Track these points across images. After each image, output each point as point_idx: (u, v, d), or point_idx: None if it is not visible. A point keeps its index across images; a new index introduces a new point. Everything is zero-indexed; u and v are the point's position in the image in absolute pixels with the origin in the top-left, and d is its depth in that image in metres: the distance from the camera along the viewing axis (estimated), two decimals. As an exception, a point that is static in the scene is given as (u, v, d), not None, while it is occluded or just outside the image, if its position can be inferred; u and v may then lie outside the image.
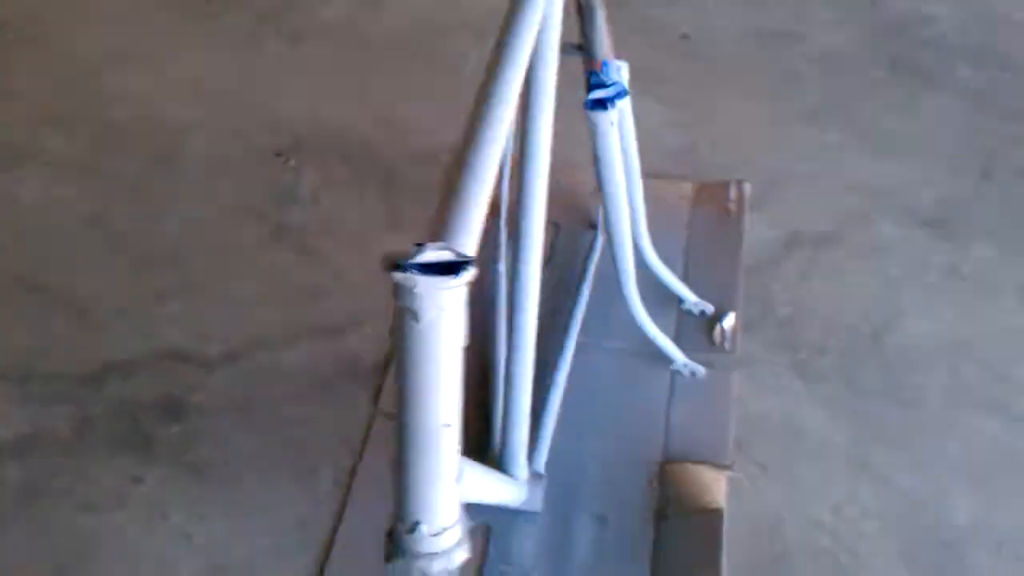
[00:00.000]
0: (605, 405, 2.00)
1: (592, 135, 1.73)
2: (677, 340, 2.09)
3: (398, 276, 0.81)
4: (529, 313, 1.68)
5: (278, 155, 2.53)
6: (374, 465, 1.88)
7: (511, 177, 1.72)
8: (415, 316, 0.82)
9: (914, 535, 1.89)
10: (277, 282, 2.24)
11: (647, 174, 2.06)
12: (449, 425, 0.92)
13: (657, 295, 2.15)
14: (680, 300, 2.18)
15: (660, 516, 1.85)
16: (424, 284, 0.81)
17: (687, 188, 2.44)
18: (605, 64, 1.67)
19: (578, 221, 2.36)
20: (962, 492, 1.95)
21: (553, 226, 2.28)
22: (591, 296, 2.17)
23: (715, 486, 1.91)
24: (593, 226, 2.31)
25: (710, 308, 2.17)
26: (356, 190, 2.46)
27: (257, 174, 2.48)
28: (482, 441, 1.89)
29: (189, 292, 2.20)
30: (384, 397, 2.00)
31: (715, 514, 1.83)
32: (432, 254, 0.81)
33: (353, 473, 1.89)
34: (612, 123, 1.71)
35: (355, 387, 2.04)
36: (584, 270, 2.22)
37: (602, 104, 1.68)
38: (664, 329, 2.07)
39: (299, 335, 2.14)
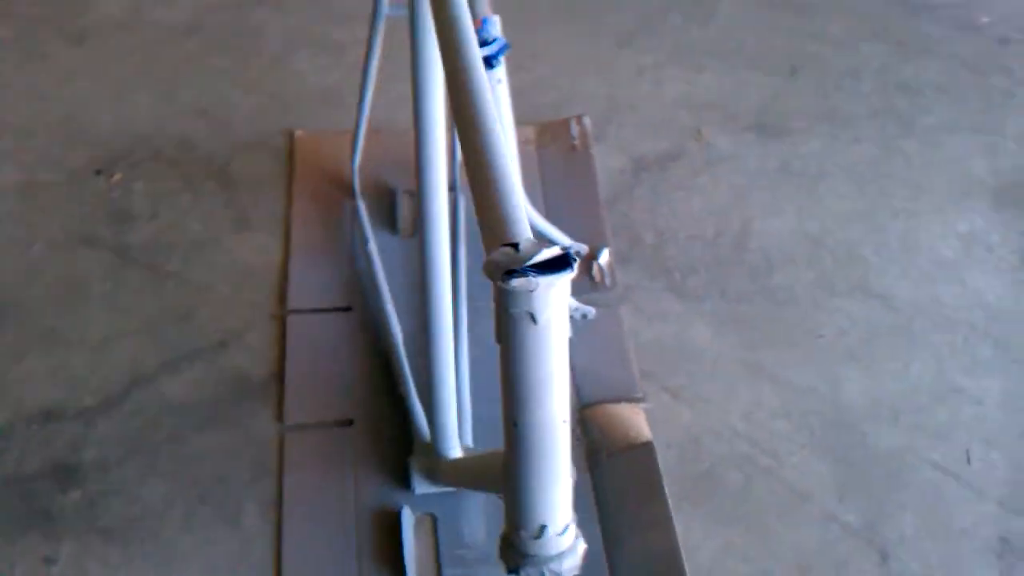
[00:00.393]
0: None
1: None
2: (560, 286, 2.10)
3: (518, 283, 0.78)
4: (443, 291, 1.65)
5: (98, 173, 2.34)
6: (298, 487, 1.81)
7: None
8: (533, 318, 0.80)
9: (820, 424, 2.01)
10: (135, 310, 2.09)
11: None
12: (566, 421, 0.90)
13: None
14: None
15: (593, 462, 1.88)
16: (545, 285, 0.79)
17: (529, 132, 2.43)
18: (485, 21, 1.64)
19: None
20: (850, 375, 2.09)
21: (409, 195, 2.24)
22: (468, 261, 2.15)
23: (636, 420, 1.96)
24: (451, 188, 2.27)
25: (584, 248, 2.19)
26: (191, 194, 2.31)
27: (81, 198, 2.29)
28: (395, 426, 1.86)
29: (43, 343, 2.03)
30: (289, 410, 1.92)
31: (646, 447, 1.88)
32: (544, 253, 0.79)
33: (280, 502, 1.81)
34: (500, 80, 1.70)
35: (252, 405, 1.95)
36: (455, 235, 2.19)
37: (488, 62, 1.65)
38: (545, 278, 2.08)
39: (176, 362, 2.01)
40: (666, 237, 2.30)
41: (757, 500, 1.89)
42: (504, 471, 0.95)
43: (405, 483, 1.82)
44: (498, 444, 1.78)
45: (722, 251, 2.29)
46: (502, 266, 0.79)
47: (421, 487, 1.79)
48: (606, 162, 2.42)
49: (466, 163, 0.97)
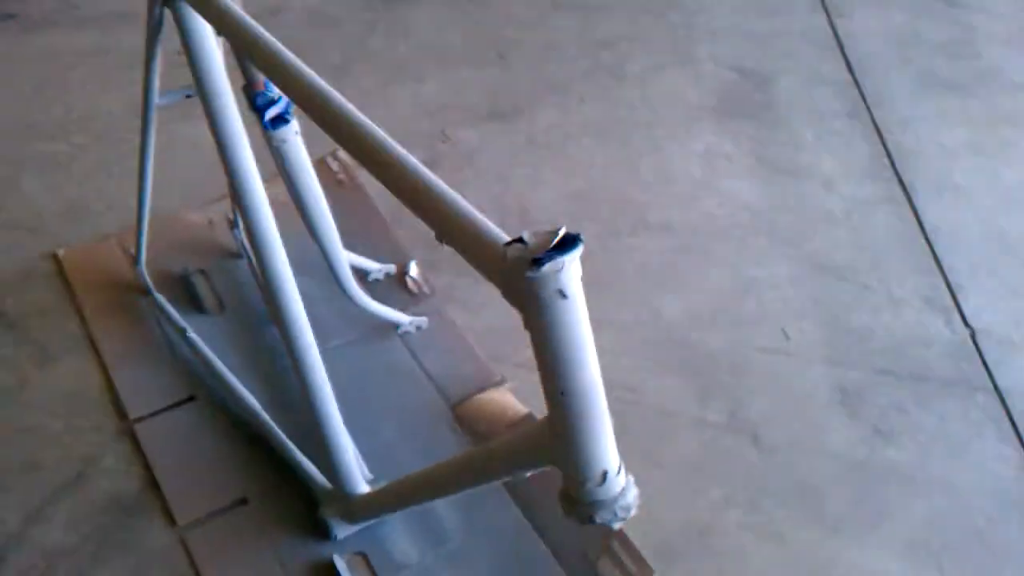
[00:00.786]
0: (370, 395, 2.02)
1: (279, 152, 1.74)
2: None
3: (548, 266, 0.85)
4: (308, 341, 1.69)
5: None
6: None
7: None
8: (563, 294, 0.87)
9: (656, 348, 2.19)
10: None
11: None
12: (600, 378, 0.97)
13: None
14: (366, 273, 2.24)
15: (486, 452, 1.95)
16: (568, 262, 0.86)
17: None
18: (267, 84, 1.68)
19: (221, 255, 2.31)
20: (664, 299, 2.29)
21: (201, 273, 2.23)
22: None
23: (506, 399, 2.05)
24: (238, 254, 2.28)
25: (392, 268, 2.25)
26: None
27: None
28: (289, 487, 1.87)
29: None
30: (178, 511, 1.86)
31: (527, 418, 1.97)
32: (556, 237, 0.86)
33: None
34: (296, 132, 1.74)
35: (139, 521, 1.85)
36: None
37: (283, 119, 1.70)
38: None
39: (40, 510, 1.88)
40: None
41: (634, 431, 2.02)
42: (555, 438, 1.00)
43: (323, 535, 1.81)
44: (391, 469, 1.83)
45: (511, 230, 2.41)
46: (527, 258, 0.86)
47: (342, 531, 1.80)
48: (375, 184, 2.47)
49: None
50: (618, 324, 2.23)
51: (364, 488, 1.79)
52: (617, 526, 1.00)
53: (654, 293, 2.31)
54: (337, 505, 1.80)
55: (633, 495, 1.00)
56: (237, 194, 1.60)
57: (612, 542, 1.80)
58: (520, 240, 0.87)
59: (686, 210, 2.50)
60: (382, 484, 1.82)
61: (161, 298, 2.16)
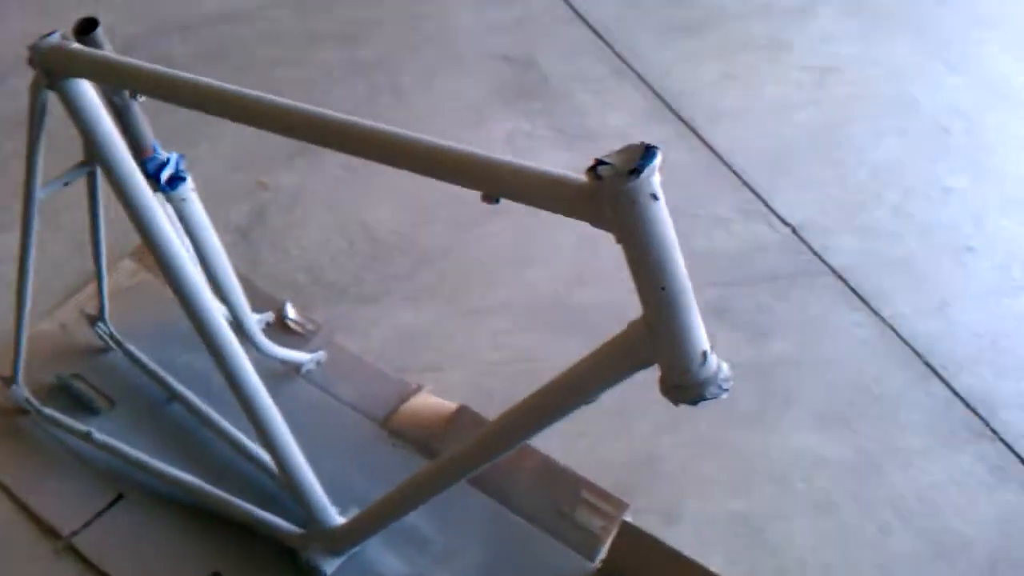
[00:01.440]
0: (297, 439, 1.97)
1: (180, 211, 1.73)
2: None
3: (646, 172, 0.95)
4: (256, 386, 1.71)
5: None
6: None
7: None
8: (655, 196, 0.97)
9: (547, 317, 2.32)
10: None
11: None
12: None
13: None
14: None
15: (433, 453, 2.01)
16: (657, 166, 0.97)
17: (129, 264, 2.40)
18: (155, 146, 1.68)
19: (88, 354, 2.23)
20: (530, 272, 2.42)
21: (74, 376, 2.15)
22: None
23: (431, 402, 2.12)
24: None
25: (270, 315, 2.25)
26: None
27: None
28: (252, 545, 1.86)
29: None
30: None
31: (461, 410, 2.05)
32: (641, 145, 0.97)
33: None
34: (192, 188, 1.74)
35: None
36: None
37: (179, 178, 1.70)
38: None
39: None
40: (317, 268, 2.42)
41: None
42: (655, 334, 1.10)
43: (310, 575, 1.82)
44: (346, 498, 1.84)
45: (366, 251, 2.47)
46: (624, 170, 0.96)
47: (330, 566, 1.81)
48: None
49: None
50: (499, 306, 2.34)
51: (339, 520, 1.81)
52: (724, 396, 1.11)
53: (519, 271, 2.43)
54: (318, 542, 1.81)
55: (726, 368, 1.12)
56: (158, 256, 1.58)
57: (582, 491, 1.91)
58: (601, 164, 0.97)
59: (514, 192, 2.63)
60: (354, 512, 1.84)
61: (49, 411, 2.06)
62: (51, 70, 1.48)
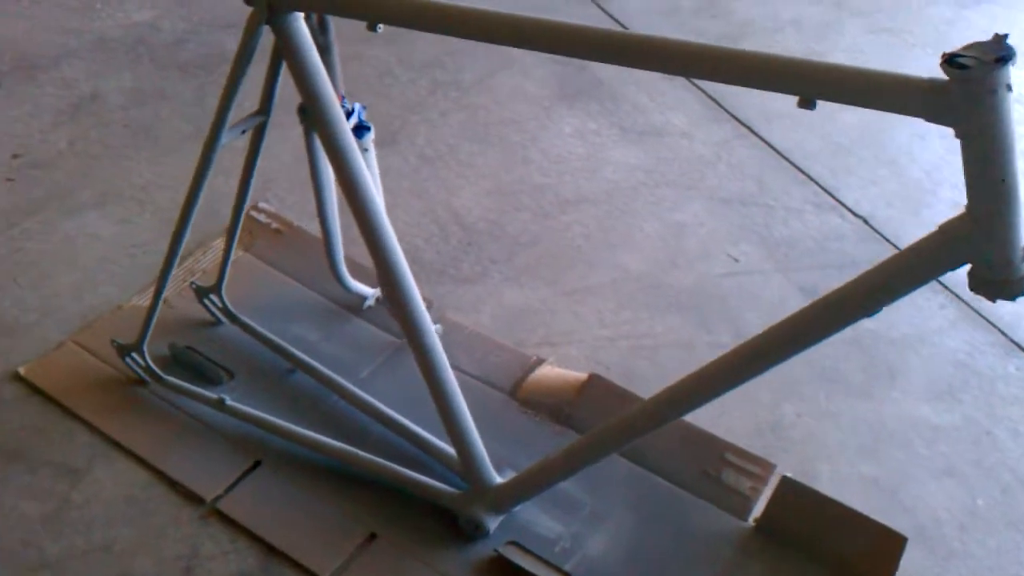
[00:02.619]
0: (427, 408, 1.86)
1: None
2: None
3: (1010, 61, 1.00)
4: (434, 343, 1.71)
5: None
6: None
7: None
8: (1010, 86, 1.02)
9: (646, 297, 2.36)
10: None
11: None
12: None
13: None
14: (362, 301, 2.23)
15: (565, 417, 2.03)
16: (1016, 55, 1.02)
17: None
18: (343, 97, 1.69)
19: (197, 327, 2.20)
20: (622, 256, 2.46)
21: (190, 350, 2.12)
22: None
23: (558, 372, 2.13)
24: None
25: (379, 291, 2.24)
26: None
27: None
28: (410, 510, 1.86)
29: None
30: (318, 566, 1.77)
31: (592, 379, 2.07)
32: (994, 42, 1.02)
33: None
34: (373, 139, 1.75)
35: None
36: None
37: (365, 127, 1.72)
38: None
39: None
40: (413, 249, 2.42)
41: (668, 367, 2.17)
42: (982, 229, 1.13)
43: (466, 538, 1.81)
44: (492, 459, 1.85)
45: (459, 235, 2.49)
46: (990, 59, 1.01)
47: (492, 522, 1.81)
48: (308, 222, 2.45)
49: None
50: (598, 286, 2.37)
51: (498, 479, 1.81)
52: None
53: (611, 254, 2.47)
54: (480, 501, 1.80)
55: None
56: (358, 202, 1.58)
57: (726, 454, 1.95)
58: (957, 57, 1.02)
59: (591, 181, 2.68)
60: (509, 473, 1.85)
61: (172, 379, 2.02)
62: (273, 4, 1.48)
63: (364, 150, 1.73)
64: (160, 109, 2.85)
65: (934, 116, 1.08)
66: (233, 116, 1.67)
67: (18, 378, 2.05)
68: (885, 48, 3.39)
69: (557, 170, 2.71)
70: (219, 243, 2.35)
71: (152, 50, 3.10)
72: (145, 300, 2.21)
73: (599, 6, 3.45)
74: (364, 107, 1.77)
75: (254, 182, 1.86)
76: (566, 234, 2.52)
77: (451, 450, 1.85)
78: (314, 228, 2.40)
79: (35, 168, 2.61)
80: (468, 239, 2.47)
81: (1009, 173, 1.08)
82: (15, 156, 2.64)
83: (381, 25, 1.40)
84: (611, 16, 3.42)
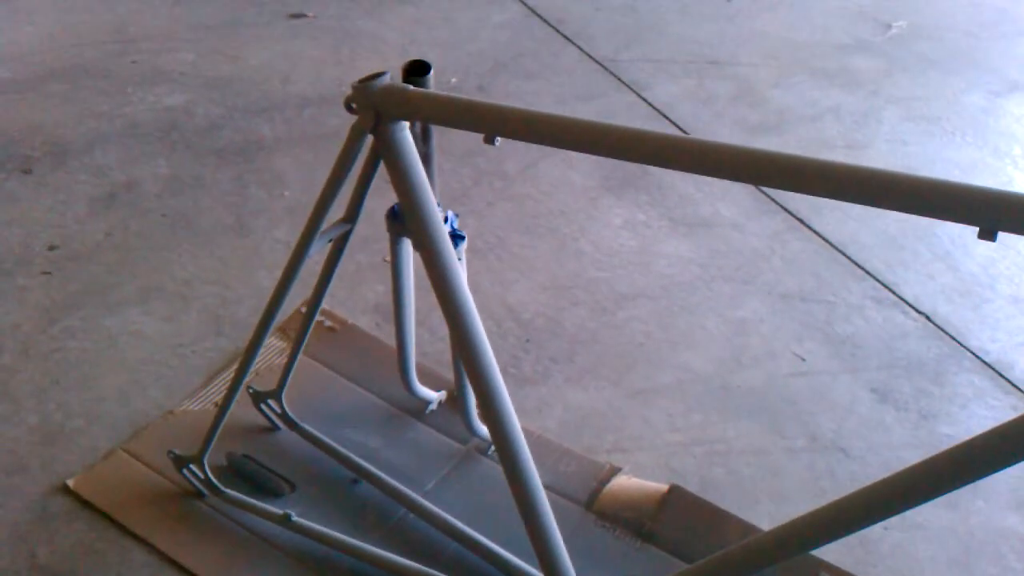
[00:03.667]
0: (499, 519, 1.87)
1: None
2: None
3: None
4: (520, 445, 1.61)
5: None
6: None
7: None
8: None
9: (714, 399, 2.27)
10: None
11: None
12: None
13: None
14: (426, 406, 2.14)
15: (646, 534, 1.93)
16: None
17: (278, 339, 2.28)
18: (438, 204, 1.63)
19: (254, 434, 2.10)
20: (686, 354, 2.38)
21: (246, 458, 2.02)
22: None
23: (635, 483, 2.04)
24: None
25: (443, 394, 2.16)
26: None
27: None
28: None
29: None
30: None
31: (674, 491, 1.98)
32: None
33: None
34: (466, 248, 1.68)
35: None
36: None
37: (459, 237, 1.65)
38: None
39: None
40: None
41: (745, 475, 2.10)
42: None
43: None
44: None
45: (516, 332, 2.40)
46: None
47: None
48: (363, 321, 2.36)
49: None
50: (664, 387, 2.29)
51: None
52: None
53: (674, 353, 2.39)
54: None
55: None
56: (457, 316, 1.50)
57: (821, 573, 1.86)
58: None
59: (645, 276, 2.61)
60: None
61: (233, 493, 1.91)
62: (380, 111, 1.42)
63: (459, 259, 1.65)
64: (199, 198, 2.77)
65: None
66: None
67: (67, 491, 1.93)
68: (925, 136, 3.37)
69: (610, 263, 2.65)
70: (270, 342, 2.26)
71: (186, 136, 3.04)
72: (197, 404, 2.12)
73: (638, 94, 3.42)
74: (457, 215, 1.69)
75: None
76: (625, 331, 2.44)
77: (535, 571, 1.74)
78: (366, 324, 2.33)
79: (72, 261, 2.51)
80: (525, 335, 2.39)
81: None
82: (51, 248, 2.55)
83: (499, 140, 1.33)
84: (651, 104, 3.39)
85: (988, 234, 1.07)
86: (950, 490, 1.22)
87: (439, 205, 1.60)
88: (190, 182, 2.84)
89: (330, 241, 1.64)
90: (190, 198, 2.78)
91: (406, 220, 1.50)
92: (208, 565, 1.82)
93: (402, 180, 1.45)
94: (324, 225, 1.59)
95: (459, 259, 1.65)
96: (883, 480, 1.28)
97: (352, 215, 1.64)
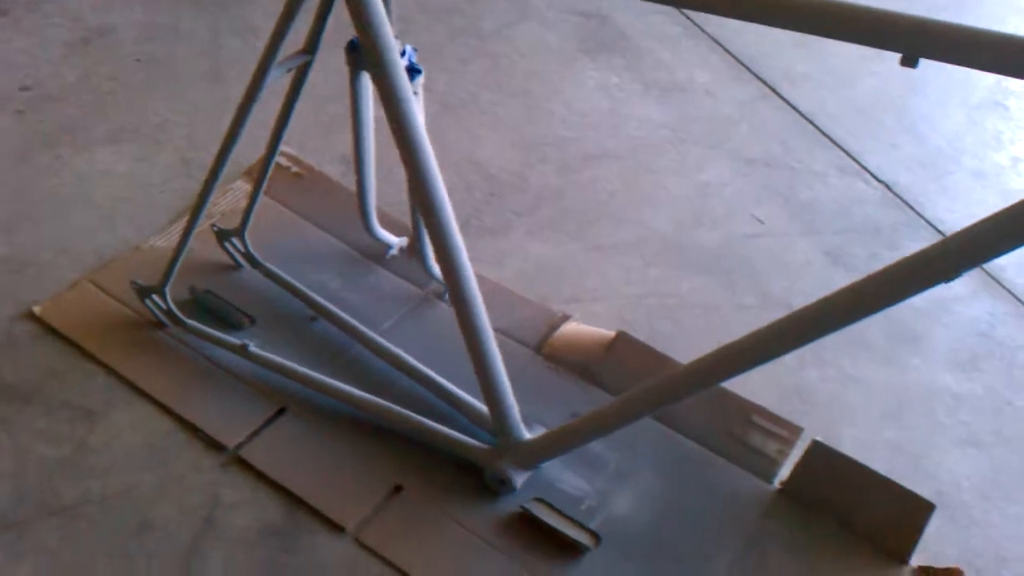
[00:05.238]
0: (451, 361, 1.91)
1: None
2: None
3: None
4: (474, 293, 1.68)
5: None
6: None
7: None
8: None
9: (673, 256, 2.33)
10: None
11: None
12: None
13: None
14: (387, 250, 2.20)
15: (592, 373, 2.01)
16: None
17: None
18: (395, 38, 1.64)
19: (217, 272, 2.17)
20: (647, 212, 2.42)
21: (208, 293, 2.08)
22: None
23: (585, 329, 2.11)
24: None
25: (404, 240, 2.20)
26: (-9, 428, 1.86)
27: None
28: (436, 464, 1.85)
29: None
30: (341, 517, 1.75)
31: (620, 337, 2.05)
32: None
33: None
34: (422, 83, 1.71)
35: (301, 540, 1.73)
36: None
37: (416, 70, 1.67)
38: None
39: (187, 571, 1.69)
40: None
41: (694, 329, 2.17)
42: None
43: (492, 494, 1.80)
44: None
45: (482, 186, 2.45)
46: None
47: (519, 479, 1.79)
48: (332, 168, 2.40)
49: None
50: (624, 243, 2.35)
51: (527, 435, 1.80)
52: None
53: (636, 211, 2.44)
54: (508, 457, 1.78)
55: None
56: (410, 146, 1.54)
57: (753, 416, 1.94)
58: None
59: (615, 137, 2.64)
60: (539, 430, 1.83)
61: (194, 323, 1.98)
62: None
63: (414, 93, 1.68)
64: (174, 45, 2.78)
65: None
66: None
67: (32, 317, 2.00)
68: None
69: (580, 124, 2.67)
70: (237, 185, 2.31)
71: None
72: (163, 241, 2.17)
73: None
74: (415, 49, 1.71)
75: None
76: (590, 189, 2.48)
77: (480, 404, 1.82)
78: (333, 172, 2.37)
79: (45, 101, 2.54)
80: (491, 190, 2.44)
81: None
82: (24, 88, 2.57)
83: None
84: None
85: (910, 60, 1.11)
86: (859, 319, 1.29)
87: (396, 38, 1.62)
88: (166, 30, 2.84)
89: (288, 71, 1.66)
90: (165, 45, 2.78)
91: (362, 51, 1.52)
92: (166, 390, 1.90)
93: (357, 10, 1.47)
94: (282, 56, 1.62)
95: (415, 93, 1.68)
96: (796, 311, 1.35)
97: (311, 46, 1.66)
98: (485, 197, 2.41)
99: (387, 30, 1.48)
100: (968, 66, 1.09)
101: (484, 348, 1.71)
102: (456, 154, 2.51)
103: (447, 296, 2.12)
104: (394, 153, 1.56)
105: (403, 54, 1.64)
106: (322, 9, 1.58)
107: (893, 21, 1.11)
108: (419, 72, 1.69)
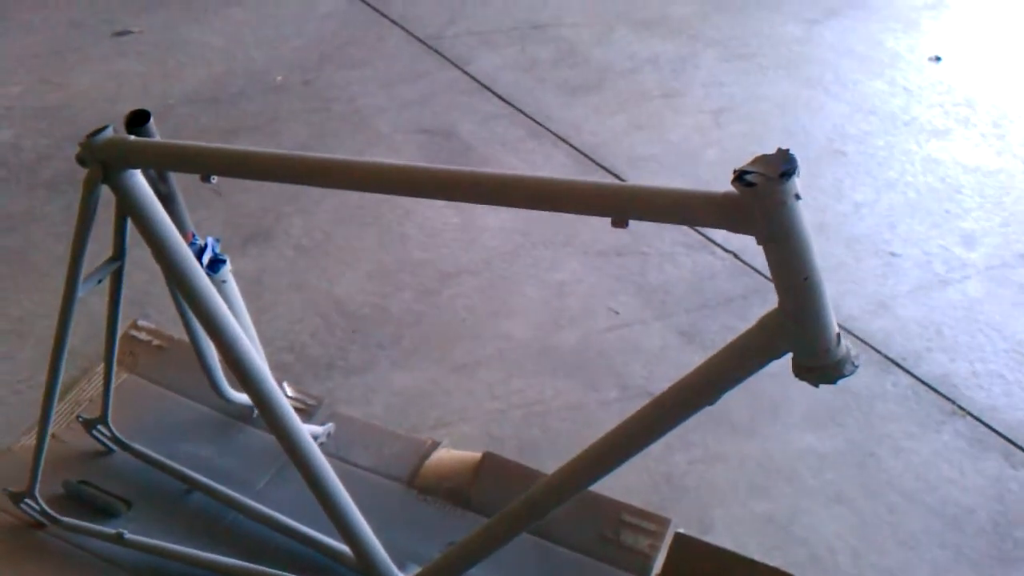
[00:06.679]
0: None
1: (220, 293, 1.75)
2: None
3: (793, 175, 1.06)
4: (307, 444, 1.73)
5: None
6: None
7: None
8: (798, 195, 1.06)
9: (535, 363, 2.41)
10: None
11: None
12: None
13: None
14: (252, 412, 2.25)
15: (464, 499, 2.07)
16: (798, 168, 1.08)
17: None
18: (193, 233, 1.72)
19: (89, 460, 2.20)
20: (508, 324, 2.50)
21: (80, 482, 2.11)
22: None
23: (453, 455, 2.16)
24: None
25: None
26: None
27: None
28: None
29: None
30: None
31: (487, 457, 2.11)
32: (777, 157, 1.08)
33: None
34: (230, 270, 1.78)
35: None
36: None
37: (220, 261, 1.74)
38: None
39: None
40: (299, 346, 2.44)
41: (561, 431, 2.23)
42: (794, 323, 1.19)
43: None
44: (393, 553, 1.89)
45: (343, 325, 2.51)
46: (775, 174, 1.07)
47: None
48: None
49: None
50: (486, 359, 2.42)
51: (400, 575, 1.84)
52: (855, 373, 1.22)
53: (494, 324, 2.52)
54: (387, 604, 1.83)
55: (853, 348, 1.24)
56: (221, 338, 1.60)
57: (622, 514, 2.00)
58: (746, 174, 1.08)
59: (469, 251, 2.74)
60: (413, 569, 1.88)
61: (69, 519, 2.01)
62: (108, 163, 1.50)
63: (223, 282, 1.75)
64: (31, 232, 2.83)
65: (736, 227, 1.14)
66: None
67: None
68: (742, 75, 3.52)
69: (434, 243, 2.76)
70: (102, 369, 2.34)
71: (15, 171, 3.08)
72: (30, 439, 2.19)
73: (462, 70, 3.52)
74: (218, 239, 1.79)
75: (122, 305, 1.85)
76: (448, 309, 2.56)
77: (347, 549, 1.86)
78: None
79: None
80: (353, 327, 2.50)
81: (810, 271, 1.14)
82: None
83: (215, 177, 1.43)
84: (473, 77, 3.48)
85: (621, 222, 1.20)
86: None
87: (195, 234, 1.69)
88: (21, 216, 2.89)
89: (100, 282, 1.72)
90: (21, 234, 2.83)
91: (156, 260, 1.59)
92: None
93: (142, 226, 1.55)
94: (91, 269, 1.67)
95: (223, 281, 1.75)
96: (639, 409, 1.42)
97: (118, 252, 1.72)
98: (348, 335, 2.47)
99: (176, 241, 1.55)
100: (673, 223, 1.18)
101: (329, 491, 1.73)
102: (317, 296, 2.58)
103: (318, 442, 2.16)
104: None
105: (205, 248, 1.71)
106: (119, 222, 1.64)
107: (600, 191, 1.21)
108: (223, 262, 1.76)
